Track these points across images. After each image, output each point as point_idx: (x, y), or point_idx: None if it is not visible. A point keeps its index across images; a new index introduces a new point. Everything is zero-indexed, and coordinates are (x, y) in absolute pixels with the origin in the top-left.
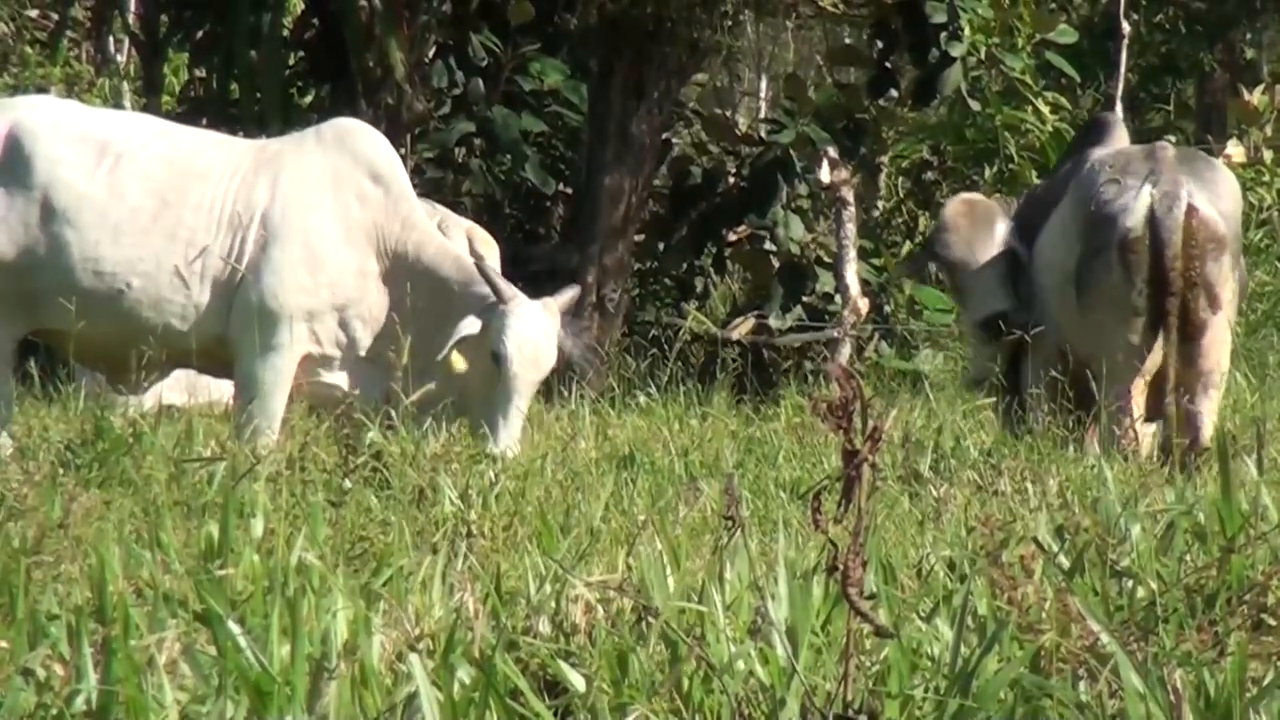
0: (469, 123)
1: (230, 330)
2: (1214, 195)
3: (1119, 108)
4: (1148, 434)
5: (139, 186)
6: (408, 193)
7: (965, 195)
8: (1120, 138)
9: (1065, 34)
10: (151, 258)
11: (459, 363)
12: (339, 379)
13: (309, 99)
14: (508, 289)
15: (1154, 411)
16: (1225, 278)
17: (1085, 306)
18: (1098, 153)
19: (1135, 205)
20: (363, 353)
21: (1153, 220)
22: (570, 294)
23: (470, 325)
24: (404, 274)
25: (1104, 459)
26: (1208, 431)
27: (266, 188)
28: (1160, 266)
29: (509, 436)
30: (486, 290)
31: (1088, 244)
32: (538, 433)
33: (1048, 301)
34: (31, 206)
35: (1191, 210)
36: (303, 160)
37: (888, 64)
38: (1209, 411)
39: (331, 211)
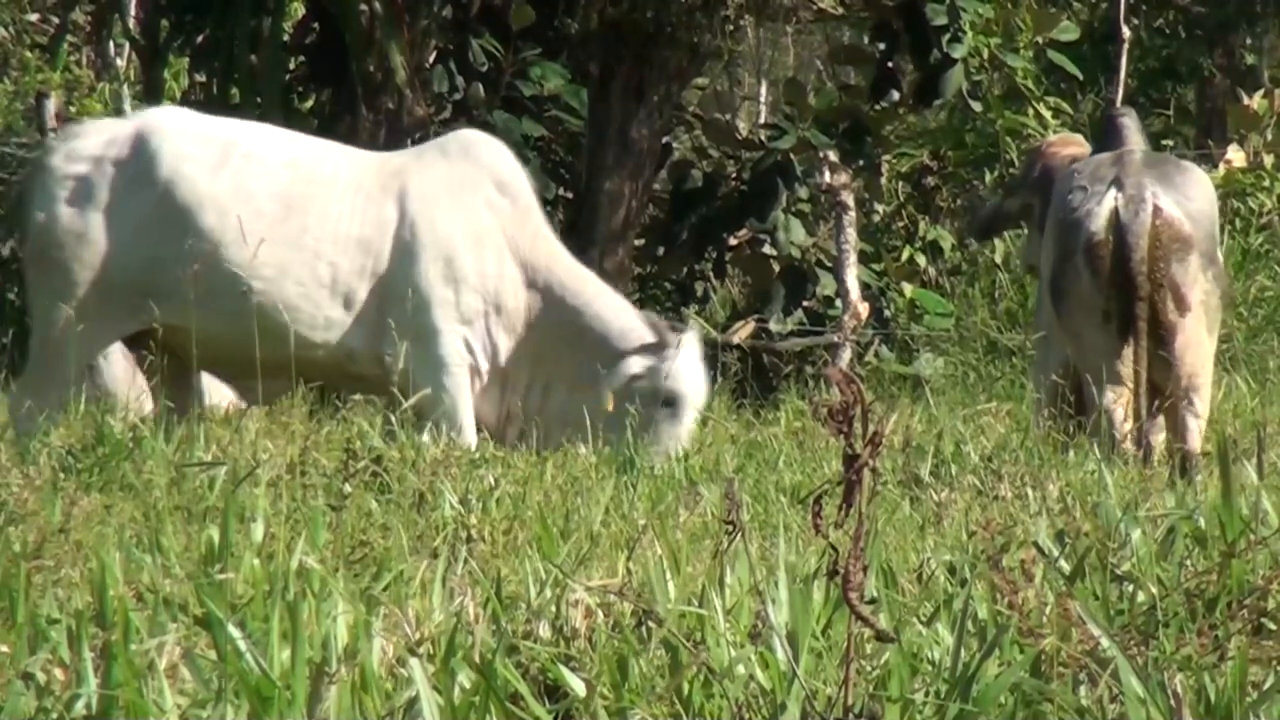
0: (469, 127)
1: (405, 367)
2: (1181, 196)
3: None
4: (1156, 439)
5: (264, 190)
6: (535, 205)
7: (1075, 140)
8: (1134, 139)
9: (1067, 31)
10: (274, 263)
11: (609, 402)
12: (491, 391)
13: (309, 103)
14: (670, 333)
15: (1153, 413)
16: (1193, 279)
17: (1063, 313)
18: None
19: (1099, 209)
20: (503, 363)
21: (1118, 224)
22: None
23: (635, 365)
24: (535, 286)
25: (1103, 464)
26: (1197, 439)
27: (394, 206)
28: (1126, 270)
29: (662, 457)
30: (614, 309)
31: (1060, 250)
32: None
33: (1045, 309)
34: (154, 201)
35: (1156, 211)
36: (427, 173)
37: (889, 64)
38: (1194, 416)
39: (461, 220)
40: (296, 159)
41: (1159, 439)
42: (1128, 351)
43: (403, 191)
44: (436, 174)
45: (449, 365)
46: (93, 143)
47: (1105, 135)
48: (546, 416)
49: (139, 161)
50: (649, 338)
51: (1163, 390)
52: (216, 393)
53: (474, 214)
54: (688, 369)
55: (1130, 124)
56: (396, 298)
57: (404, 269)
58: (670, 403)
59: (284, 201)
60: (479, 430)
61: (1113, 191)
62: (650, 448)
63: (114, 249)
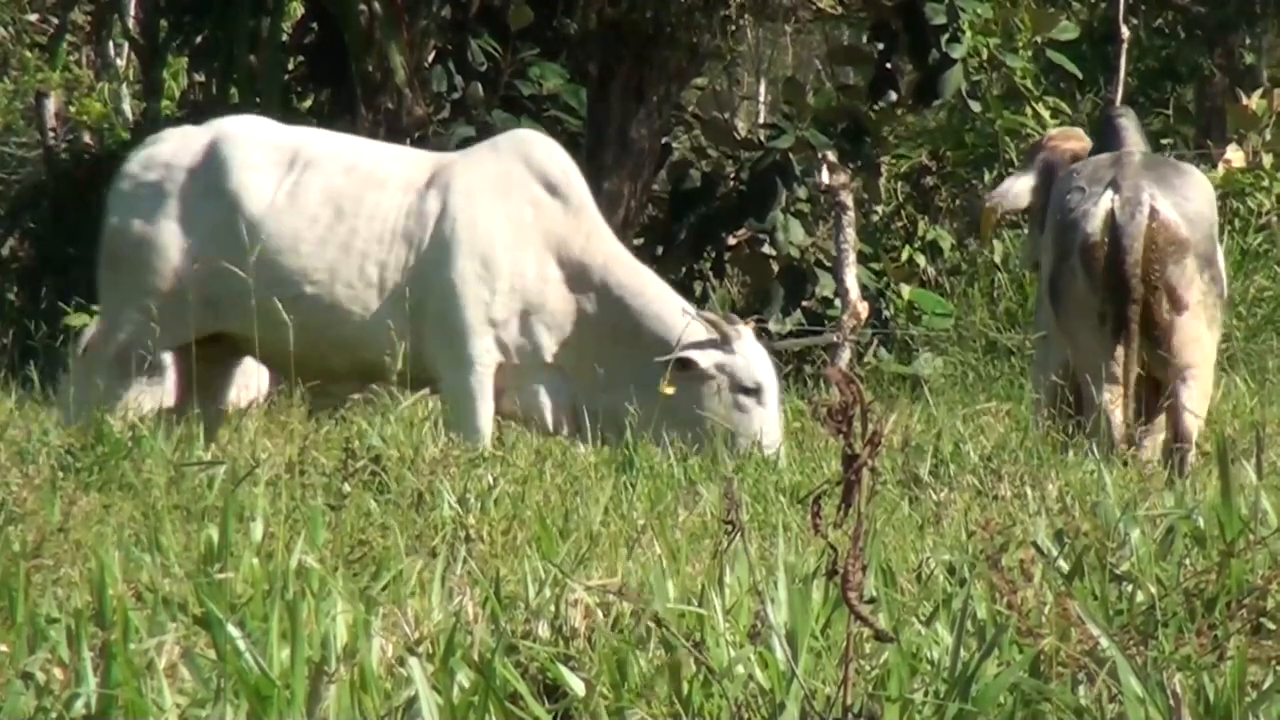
0: (469, 127)
1: (425, 349)
2: (1179, 198)
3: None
4: (1156, 441)
5: (318, 196)
6: (589, 206)
7: (1075, 134)
8: (1133, 139)
9: (1066, 30)
10: (325, 268)
11: (669, 388)
12: (529, 390)
13: (308, 103)
14: (728, 326)
15: (1153, 414)
16: (1189, 280)
17: (1060, 314)
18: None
19: (1095, 211)
20: (549, 360)
21: (1113, 226)
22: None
23: (706, 362)
24: (590, 286)
25: (1102, 464)
26: (1191, 423)
27: (437, 199)
28: (1120, 273)
29: (774, 447)
30: (673, 310)
31: (1057, 251)
32: (537, 437)
33: (1045, 310)
34: (223, 209)
35: (1153, 214)
36: (473, 169)
37: (888, 65)
38: (1191, 401)
39: (502, 217)
40: (355, 163)
41: (1157, 441)
42: (1121, 352)
43: (448, 186)
44: (484, 171)
45: (474, 365)
46: (167, 149)
47: (1104, 135)
48: (613, 414)
49: (209, 169)
50: (709, 335)
51: (1164, 386)
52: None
53: (517, 213)
54: (756, 356)
55: (1129, 124)
56: (429, 292)
57: (440, 263)
58: (753, 391)
59: (336, 206)
60: (555, 425)
61: (1109, 193)
62: (740, 441)
63: (184, 256)
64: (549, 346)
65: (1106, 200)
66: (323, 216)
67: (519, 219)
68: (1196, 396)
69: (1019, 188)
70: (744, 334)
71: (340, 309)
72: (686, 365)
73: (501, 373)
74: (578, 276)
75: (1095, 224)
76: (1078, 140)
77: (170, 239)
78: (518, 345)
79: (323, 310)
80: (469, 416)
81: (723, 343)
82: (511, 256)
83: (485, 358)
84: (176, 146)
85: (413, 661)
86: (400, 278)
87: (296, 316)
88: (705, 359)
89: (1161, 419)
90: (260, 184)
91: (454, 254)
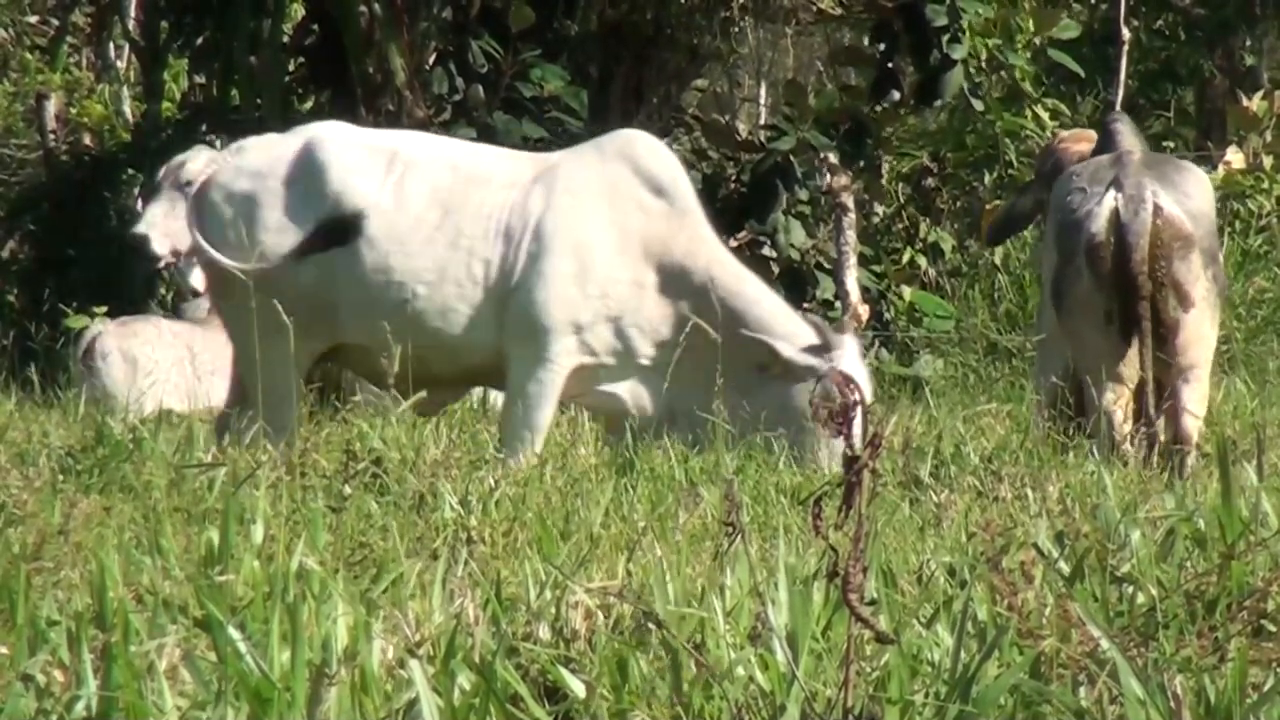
0: (470, 129)
1: (503, 342)
2: (1181, 195)
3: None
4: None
5: (424, 196)
6: (694, 208)
7: (1086, 136)
8: (1129, 143)
9: (1068, 29)
10: (435, 268)
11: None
12: (619, 388)
13: (309, 105)
14: (833, 334)
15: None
16: (1195, 276)
17: (1064, 315)
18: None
19: (1099, 210)
20: (644, 361)
21: (1118, 224)
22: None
23: (789, 350)
24: (691, 289)
25: (1102, 466)
26: (1191, 425)
27: (541, 197)
28: (1127, 271)
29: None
30: (776, 314)
31: (1061, 253)
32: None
33: (1047, 313)
34: (324, 216)
35: (1157, 210)
36: (579, 170)
37: (889, 66)
38: (1192, 402)
39: (606, 221)
40: (456, 162)
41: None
42: (1131, 352)
43: (551, 185)
44: (589, 172)
45: (551, 364)
46: (258, 158)
47: (1101, 140)
48: (708, 416)
49: (306, 175)
50: (813, 340)
51: (1164, 386)
52: (216, 395)
53: (621, 218)
54: (854, 371)
55: (1125, 128)
56: (519, 285)
57: (535, 258)
58: None
59: (443, 205)
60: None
61: (1112, 192)
62: (807, 453)
63: (285, 266)
64: (644, 349)
65: (1110, 199)
66: (429, 216)
67: (623, 224)
68: (1197, 397)
69: (1022, 210)
70: (846, 346)
71: (449, 309)
72: (775, 356)
73: (591, 371)
74: (678, 280)
75: (1100, 223)
76: (1088, 142)
77: (271, 251)
78: (610, 348)
79: (434, 314)
80: (531, 414)
81: (821, 350)
82: (608, 261)
83: (563, 358)
84: (268, 155)
85: (413, 663)
86: (504, 276)
87: (407, 321)
88: (796, 356)
89: (1160, 420)
90: (362, 186)
91: (552, 250)
